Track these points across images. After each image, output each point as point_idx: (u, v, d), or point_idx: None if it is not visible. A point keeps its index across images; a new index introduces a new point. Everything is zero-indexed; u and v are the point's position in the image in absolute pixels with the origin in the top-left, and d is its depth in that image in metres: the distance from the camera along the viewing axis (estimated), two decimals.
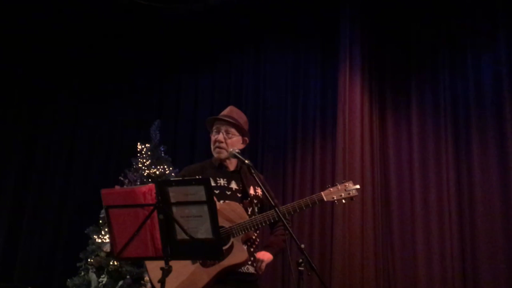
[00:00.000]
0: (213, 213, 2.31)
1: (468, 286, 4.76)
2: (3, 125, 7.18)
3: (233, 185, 3.13)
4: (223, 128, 3.14)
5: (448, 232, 4.88)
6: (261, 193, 3.17)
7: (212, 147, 3.18)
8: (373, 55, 5.53)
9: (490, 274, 4.65)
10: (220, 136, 3.12)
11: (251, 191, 3.14)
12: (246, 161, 2.89)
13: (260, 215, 3.01)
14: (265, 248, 3.14)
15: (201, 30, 6.49)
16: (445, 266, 4.82)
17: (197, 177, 3.00)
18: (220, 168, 3.18)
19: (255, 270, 3.06)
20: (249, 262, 3.03)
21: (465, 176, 4.98)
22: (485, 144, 4.94)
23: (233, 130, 3.16)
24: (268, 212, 3.00)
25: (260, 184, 2.88)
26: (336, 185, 3.07)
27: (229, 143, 3.12)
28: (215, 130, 3.17)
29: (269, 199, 2.84)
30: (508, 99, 4.89)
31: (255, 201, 3.13)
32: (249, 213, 3.06)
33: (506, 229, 4.69)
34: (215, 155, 3.16)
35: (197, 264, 2.89)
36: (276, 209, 2.80)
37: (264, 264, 3.06)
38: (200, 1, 5.92)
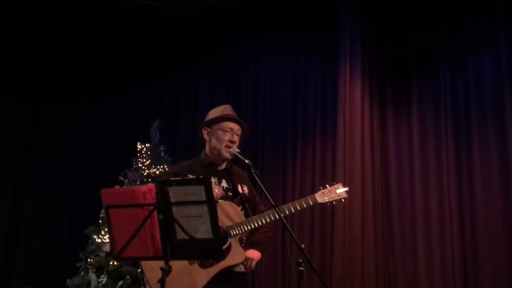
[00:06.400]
0: (213, 213, 2.30)
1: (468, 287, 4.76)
2: (3, 124, 7.18)
3: (224, 184, 3.18)
4: (235, 129, 3.22)
5: (448, 232, 4.87)
6: (247, 191, 3.23)
7: (221, 144, 3.19)
8: (374, 54, 5.53)
9: (491, 275, 4.63)
10: (236, 137, 3.20)
11: (239, 189, 3.19)
12: (247, 161, 2.92)
13: (257, 215, 3.05)
14: (253, 246, 3.19)
15: (201, 29, 6.48)
16: (445, 266, 4.80)
17: (191, 176, 3.03)
18: (211, 167, 3.21)
19: (245, 269, 3.11)
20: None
21: (466, 176, 4.97)
22: (485, 144, 4.93)
23: (240, 133, 3.25)
24: (265, 212, 3.03)
25: (261, 185, 2.89)
26: (327, 187, 3.15)
27: (236, 144, 3.21)
28: (227, 130, 3.20)
29: (268, 199, 2.85)
30: (508, 99, 4.87)
31: (243, 199, 3.17)
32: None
33: (507, 230, 4.68)
34: (225, 153, 3.16)
35: (195, 265, 2.90)
36: (276, 208, 2.82)
37: (254, 263, 3.13)
38: (200, 0, 5.91)
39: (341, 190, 3.14)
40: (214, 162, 3.22)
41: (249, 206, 3.19)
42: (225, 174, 3.21)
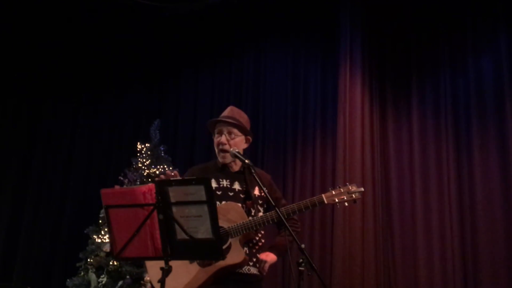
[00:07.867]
0: (213, 213, 2.30)
1: None
2: (3, 123, 7.17)
3: (236, 186, 3.10)
4: (225, 130, 3.10)
5: (449, 233, 4.87)
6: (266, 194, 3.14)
7: (216, 150, 3.14)
8: (374, 54, 5.53)
9: (491, 275, 4.64)
10: (223, 138, 3.08)
11: (256, 192, 3.10)
12: (247, 161, 2.87)
13: (259, 216, 2.98)
14: (270, 248, 3.12)
15: (201, 29, 6.49)
16: (446, 267, 4.80)
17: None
18: (224, 169, 3.14)
19: (258, 271, 3.04)
20: (251, 263, 3.01)
21: (466, 177, 4.97)
22: (486, 144, 4.94)
23: (235, 131, 3.12)
24: (267, 213, 2.98)
25: (260, 184, 2.84)
26: (339, 187, 3.01)
27: (232, 144, 3.07)
28: (217, 132, 3.13)
29: (270, 200, 2.81)
30: (509, 99, 4.88)
31: (260, 202, 3.10)
32: (253, 214, 3.02)
33: (507, 230, 4.68)
34: (220, 160, 3.12)
35: (195, 264, 2.88)
36: (277, 209, 2.78)
37: (267, 265, 3.03)
38: (201, 0, 5.91)
39: (354, 190, 2.99)
40: (226, 165, 3.17)
41: (270, 209, 3.06)
42: (239, 177, 3.13)
